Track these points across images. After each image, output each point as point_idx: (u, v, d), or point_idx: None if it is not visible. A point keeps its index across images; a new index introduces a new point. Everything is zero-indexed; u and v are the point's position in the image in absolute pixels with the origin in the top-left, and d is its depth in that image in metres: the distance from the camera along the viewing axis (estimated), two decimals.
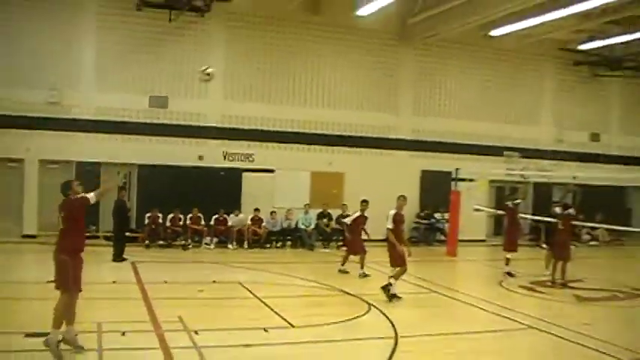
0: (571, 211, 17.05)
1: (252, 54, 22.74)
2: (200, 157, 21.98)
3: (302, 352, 9.37)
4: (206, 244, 21.03)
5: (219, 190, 21.82)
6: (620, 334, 11.08)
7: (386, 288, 13.18)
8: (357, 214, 16.64)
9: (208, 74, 15.88)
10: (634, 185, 29.13)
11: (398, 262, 13.32)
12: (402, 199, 13.77)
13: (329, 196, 22.94)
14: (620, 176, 27.38)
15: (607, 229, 25.47)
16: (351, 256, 16.71)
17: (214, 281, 14.83)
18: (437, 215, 24.69)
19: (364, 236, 16.99)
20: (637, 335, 11.36)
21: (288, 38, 23.03)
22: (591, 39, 25.11)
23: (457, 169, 22.60)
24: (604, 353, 9.72)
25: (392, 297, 13.06)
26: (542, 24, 22.48)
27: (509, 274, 17.14)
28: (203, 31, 22.12)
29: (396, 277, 13.31)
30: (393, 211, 13.46)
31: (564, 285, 15.96)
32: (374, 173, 23.43)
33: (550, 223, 18.37)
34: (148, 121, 21.55)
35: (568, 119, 28.02)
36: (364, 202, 16.70)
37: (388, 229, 13.35)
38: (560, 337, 10.74)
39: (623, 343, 10.22)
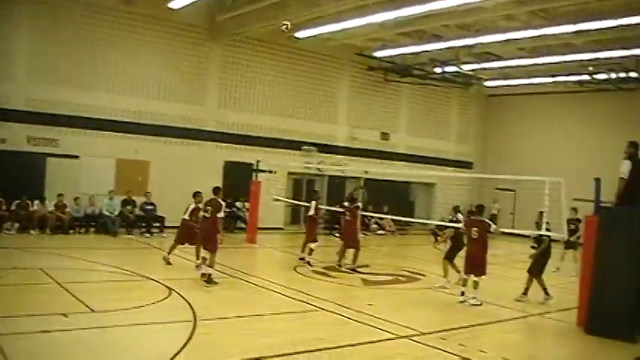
0: (359, 203, 18.40)
1: (61, 38, 21.98)
2: (2, 141, 20.98)
3: (102, 336, 9.42)
4: (7, 229, 20.23)
5: (22, 175, 21.01)
6: (400, 313, 12.42)
7: (209, 279, 14.00)
8: (193, 206, 16.29)
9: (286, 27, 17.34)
10: (417, 181, 31.99)
11: (215, 247, 14.27)
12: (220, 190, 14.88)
13: (134, 183, 22.92)
14: (405, 172, 29.97)
15: (393, 220, 27.76)
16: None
17: (14, 267, 14.29)
18: (238, 204, 25.26)
19: None
20: (414, 313, 12.69)
21: (99, 25, 22.55)
22: (384, 47, 26.99)
23: (258, 160, 23.43)
24: (384, 330, 10.86)
25: (211, 282, 13.96)
26: (342, 30, 23.72)
27: (308, 263, 17.88)
28: (8, 12, 21.03)
29: (213, 264, 14.24)
30: (224, 203, 14.55)
31: (354, 270, 17.16)
32: (179, 162, 23.79)
33: (342, 214, 19.38)
34: None
35: (362, 119, 30.13)
36: (198, 194, 16.28)
37: (220, 217, 14.21)
38: (347, 317, 11.71)
39: (402, 321, 11.51)
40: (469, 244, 14.27)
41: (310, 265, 17.91)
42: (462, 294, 14.11)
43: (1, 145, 21.08)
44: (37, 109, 21.71)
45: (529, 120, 33.84)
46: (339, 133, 29.43)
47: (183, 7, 22.02)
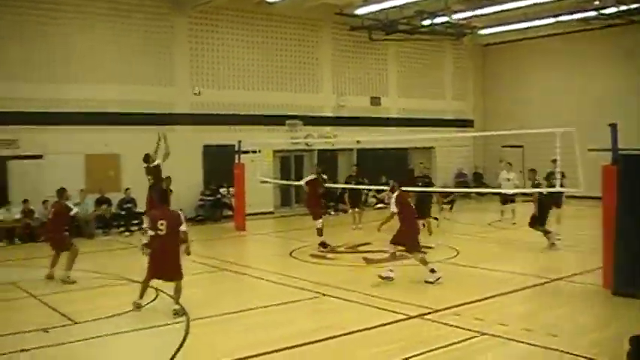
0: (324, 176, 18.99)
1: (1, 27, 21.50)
2: None
3: (87, 350, 9.37)
4: None
5: None
6: (409, 291, 12.60)
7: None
8: None
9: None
10: (414, 146, 31.88)
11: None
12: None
13: (106, 179, 22.74)
14: (401, 138, 29.81)
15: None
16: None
17: None
18: (222, 190, 25.19)
19: None
20: (424, 290, 12.79)
21: (44, 9, 21.99)
22: (366, 3, 26.56)
23: (239, 141, 23.27)
24: (394, 311, 10.95)
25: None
26: None
27: (323, 244, 17.85)
28: None
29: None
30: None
31: (353, 249, 17.25)
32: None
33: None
34: None
35: (349, 85, 30.04)
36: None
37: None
38: (354, 301, 11.83)
39: (412, 300, 11.65)
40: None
41: (325, 245, 17.89)
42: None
43: None
44: None
45: (530, 67, 33.74)
46: (325, 102, 29.30)
47: None
